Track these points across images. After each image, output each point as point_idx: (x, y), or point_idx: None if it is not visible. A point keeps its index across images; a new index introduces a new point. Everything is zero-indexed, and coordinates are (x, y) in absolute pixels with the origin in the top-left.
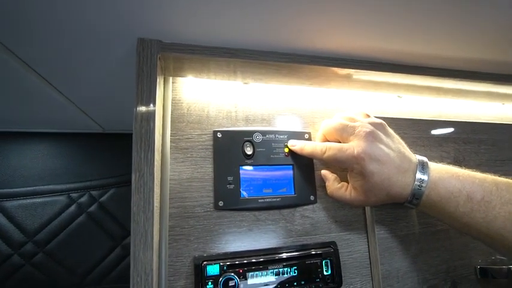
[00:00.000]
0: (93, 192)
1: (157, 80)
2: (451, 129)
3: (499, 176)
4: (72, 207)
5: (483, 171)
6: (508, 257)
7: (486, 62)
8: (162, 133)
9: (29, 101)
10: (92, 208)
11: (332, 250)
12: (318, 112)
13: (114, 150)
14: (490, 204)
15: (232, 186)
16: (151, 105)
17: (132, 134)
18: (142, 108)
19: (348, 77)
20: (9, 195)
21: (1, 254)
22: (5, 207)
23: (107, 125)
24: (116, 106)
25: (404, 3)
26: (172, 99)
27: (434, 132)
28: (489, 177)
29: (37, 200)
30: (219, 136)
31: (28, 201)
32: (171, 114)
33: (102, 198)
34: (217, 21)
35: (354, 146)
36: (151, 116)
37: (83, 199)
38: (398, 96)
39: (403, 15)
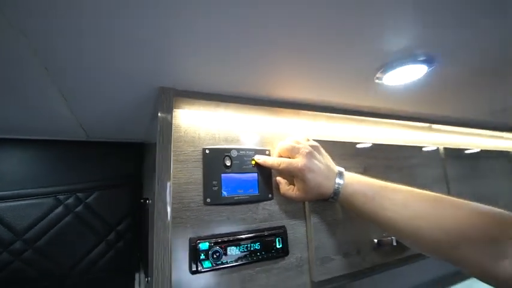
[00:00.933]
0: (79, 195)
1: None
2: (363, 148)
3: (387, 181)
4: (60, 208)
5: (380, 177)
6: (388, 232)
7: (376, 109)
8: None
9: (32, 109)
10: (79, 209)
11: (282, 231)
12: (276, 135)
13: (96, 157)
14: (374, 200)
15: (216, 188)
16: (169, 131)
17: (113, 142)
18: (163, 134)
19: (296, 113)
20: None
21: None
22: None
23: (92, 134)
24: (110, 120)
25: (320, 75)
26: (173, 125)
27: (352, 150)
28: (379, 182)
29: (25, 202)
30: (207, 152)
31: (16, 203)
32: (173, 136)
33: (88, 200)
34: (212, 79)
35: (298, 162)
36: (169, 138)
37: (69, 200)
38: (330, 123)
39: (321, 81)
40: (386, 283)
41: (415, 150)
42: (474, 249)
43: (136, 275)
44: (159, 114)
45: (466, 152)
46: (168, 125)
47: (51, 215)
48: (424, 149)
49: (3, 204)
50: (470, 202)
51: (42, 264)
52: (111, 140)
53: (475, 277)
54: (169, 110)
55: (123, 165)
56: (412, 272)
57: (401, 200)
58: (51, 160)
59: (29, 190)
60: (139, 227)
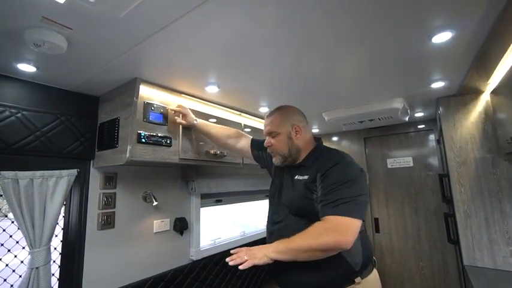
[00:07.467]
0: (68, 116)
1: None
2: (210, 116)
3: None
4: (57, 121)
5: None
6: (212, 141)
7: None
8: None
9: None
10: (67, 123)
11: (170, 136)
12: (176, 103)
13: (78, 100)
14: (207, 128)
15: (147, 115)
16: (137, 97)
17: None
18: (136, 102)
19: (191, 99)
20: None
21: None
22: None
23: (77, 89)
24: (101, 87)
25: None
26: (139, 93)
27: (206, 116)
28: (208, 122)
29: (41, 114)
30: (146, 103)
31: (37, 113)
32: (139, 96)
33: (72, 119)
34: (165, 78)
35: (186, 111)
36: (136, 100)
37: (62, 118)
38: (198, 104)
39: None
40: (225, 179)
41: (233, 123)
42: (231, 141)
43: (91, 161)
44: (135, 89)
45: (253, 126)
46: (138, 94)
47: (55, 122)
48: (235, 121)
49: (26, 113)
50: (235, 129)
51: (49, 144)
52: (91, 94)
53: (232, 152)
54: (139, 88)
55: (89, 105)
56: (233, 182)
57: (214, 128)
58: (57, 96)
59: (41, 108)
60: (100, 134)
